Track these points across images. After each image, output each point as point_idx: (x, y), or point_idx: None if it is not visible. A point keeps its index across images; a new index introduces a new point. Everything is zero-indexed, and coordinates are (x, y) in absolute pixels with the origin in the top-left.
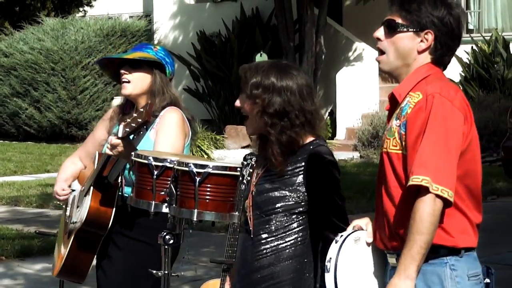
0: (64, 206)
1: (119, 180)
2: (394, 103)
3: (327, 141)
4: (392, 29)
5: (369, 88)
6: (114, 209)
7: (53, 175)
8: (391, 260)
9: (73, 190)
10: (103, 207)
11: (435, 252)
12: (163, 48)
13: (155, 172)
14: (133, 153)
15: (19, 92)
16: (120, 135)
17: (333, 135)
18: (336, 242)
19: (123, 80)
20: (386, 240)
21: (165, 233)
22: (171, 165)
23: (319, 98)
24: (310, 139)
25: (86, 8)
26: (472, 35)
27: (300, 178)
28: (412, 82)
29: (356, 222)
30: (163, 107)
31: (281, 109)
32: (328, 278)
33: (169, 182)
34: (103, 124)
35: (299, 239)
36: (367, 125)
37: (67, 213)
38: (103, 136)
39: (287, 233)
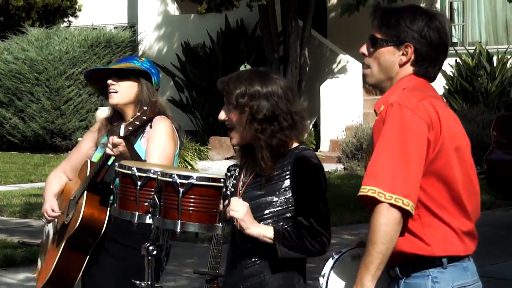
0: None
1: (112, 187)
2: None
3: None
4: (374, 44)
5: (353, 100)
6: (107, 215)
7: (36, 185)
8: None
9: (62, 213)
10: (97, 212)
11: (416, 264)
12: (148, 60)
13: (139, 183)
14: (116, 163)
15: (3, 102)
16: (122, 134)
17: (317, 147)
18: (332, 258)
19: (110, 90)
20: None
21: (148, 244)
22: (155, 176)
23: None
24: (295, 144)
25: (70, 18)
26: (456, 48)
27: (287, 183)
28: (389, 93)
29: (361, 239)
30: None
31: (270, 114)
32: None
33: (152, 193)
34: (90, 136)
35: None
36: (351, 137)
37: (55, 224)
38: (90, 148)
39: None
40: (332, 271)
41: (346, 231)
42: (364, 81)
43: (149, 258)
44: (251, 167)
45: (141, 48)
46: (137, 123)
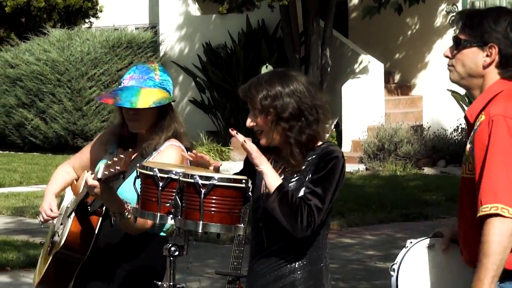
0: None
1: (103, 209)
2: (468, 125)
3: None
4: (457, 45)
5: (375, 100)
6: (94, 236)
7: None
8: None
9: (60, 215)
10: (83, 234)
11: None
12: (162, 69)
13: (161, 184)
14: (138, 164)
15: (25, 103)
16: (99, 176)
17: (339, 147)
18: (406, 247)
19: (131, 118)
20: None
21: (170, 245)
22: (177, 177)
23: None
24: (321, 142)
25: (92, 19)
26: None
27: (310, 174)
28: (483, 101)
29: (439, 229)
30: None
31: (296, 111)
32: (392, 281)
33: (174, 194)
34: (104, 137)
35: (314, 243)
36: (372, 137)
37: (53, 227)
38: (102, 149)
39: (300, 240)
40: (404, 259)
41: (368, 231)
42: (386, 81)
43: (171, 258)
44: (276, 164)
45: (162, 49)
46: (112, 170)
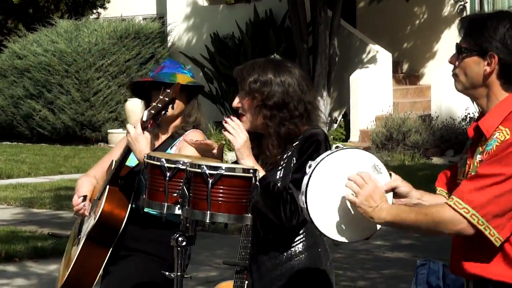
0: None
1: (135, 185)
2: (478, 135)
3: (341, 143)
4: (459, 54)
5: (383, 90)
6: (128, 212)
7: (66, 176)
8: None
9: (86, 199)
10: (117, 210)
11: (498, 285)
12: (188, 67)
13: (168, 174)
14: (145, 155)
15: (33, 94)
16: (144, 118)
17: (347, 137)
18: (308, 168)
19: None
20: (458, 269)
21: (177, 235)
22: (184, 167)
23: (332, 101)
24: (305, 127)
25: (99, 10)
26: None
27: (295, 160)
28: (501, 115)
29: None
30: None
31: (280, 101)
32: (304, 179)
33: (181, 184)
34: (123, 143)
35: (307, 230)
36: (381, 127)
37: (78, 224)
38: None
39: (296, 226)
40: (324, 160)
41: None
42: (394, 71)
43: (178, 249)
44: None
45: (170, 39)
46: (160, 105)
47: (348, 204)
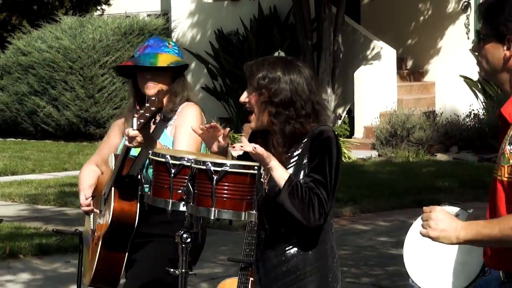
0: (87, 216)
1: (140, 177)
2: (504, 123)
3: (345, 139)
4: (480, 40)
5: (387, 86)
6: (138, 206)
7: (71, 173)
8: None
9: (93, 197)
10: (127, 206)
11: None
12: (174, 42)
13: (173, 171)
14: (150, 151)
15: (37, 90)
16: (135, 127)
17: (351, 133)
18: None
19: (148, 82)
20: (491, 260)
21: (182, 232)
22: (189, 164)
23: (337, 97)
24: (313, 125)
25: (104, 6)
26: None
27: (306, 158)
28: None
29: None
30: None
31: (287, 99)
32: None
33: (186, 181)
34: (116, 126)
35: (315, 228)
36: (385, 123)
37: (91, 221)
38: (118, 138)
39: (303, 225)
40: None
41: (380, 217)
42: (398, 67)
43: (183, 245)
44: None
45: (174, 36)
46: (147, 114)
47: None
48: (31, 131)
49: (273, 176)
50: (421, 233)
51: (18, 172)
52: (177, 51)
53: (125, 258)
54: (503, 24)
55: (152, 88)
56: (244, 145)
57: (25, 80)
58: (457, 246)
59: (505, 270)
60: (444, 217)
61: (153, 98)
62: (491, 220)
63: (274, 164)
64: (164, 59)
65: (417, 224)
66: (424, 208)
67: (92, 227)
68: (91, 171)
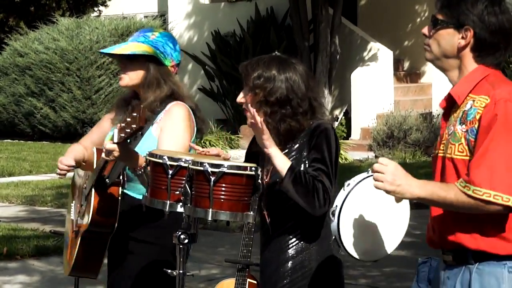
0: (69, 204)
1: (121, 178)
2: (451, 104)
3: (342, 141)
4: (435, 25)
5: (384, 88)
6: (119, 207)
7: (68, 174)
8: (447, 258)
9: (76, 167)
10: (107, 207)
11: (493, 257)
12: (165, 34)
13: (170, 172)
14: (147, 152)
15: (34, 91)
16: (115, 140)
17: (348, 135)
18: (343, 190)
19: (120, 73)
20: (439, 240)
21: (179, 233)
22: (186, 165)
23: (333, 98)
24: (311, 122)
25: (101, 8)
26: None
27: (305, 151)
28: (471, 83)
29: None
30: (163, 100)
31: (284, 97)
32: (332, 227)
33: (183, 182)
34: (110, 114)
35: (322, 221)
36: (382, 125)
37: (72, 211)
38: (110, 125)
39: (306, 220)
40: (344, 203)
41: None
42: (395, 69)
43: (181, 246)
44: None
45: None
46: (128, 130)
47: (378, 226)
48: (28, 132)
49: (274, 164)
50: (376, 186)
51: (15, 173)
52: (156, 43)
53: (105, 253)
54: (464, 14)
55: (121, 80)
56: (254, 116)
57: (22, 81)
58: (391, 214)
59: (452, 248)
60: (401, 173)
61: (135, 114)
62: (448, 184)
63: (274, 151)
64: (127, 48)
65: (360, 188)
66: (380, 159)
67: (72, 217)
68: (79, 148)
